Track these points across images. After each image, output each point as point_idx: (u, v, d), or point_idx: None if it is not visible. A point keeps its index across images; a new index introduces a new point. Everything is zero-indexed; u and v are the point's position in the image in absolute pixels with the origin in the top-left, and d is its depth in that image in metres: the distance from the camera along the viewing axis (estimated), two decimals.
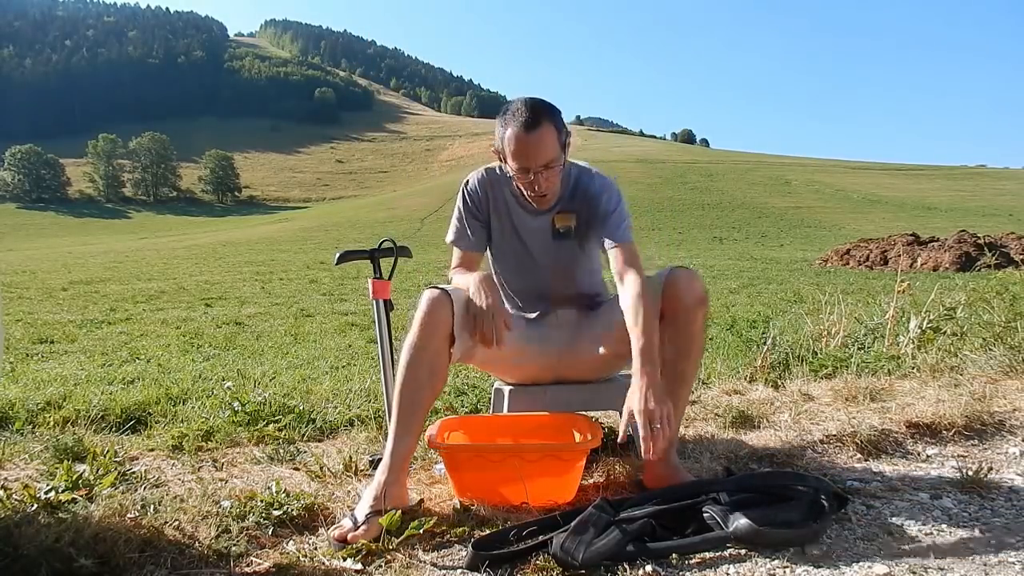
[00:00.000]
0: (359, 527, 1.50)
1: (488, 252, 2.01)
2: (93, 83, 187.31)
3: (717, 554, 1.43)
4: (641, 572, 1.36)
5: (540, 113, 1.68)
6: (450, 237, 1.96)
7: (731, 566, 1.38)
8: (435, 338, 1.70)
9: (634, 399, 1.55)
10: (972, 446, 2.13)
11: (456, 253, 1.96)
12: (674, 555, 1.39)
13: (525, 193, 1.81)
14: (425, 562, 1.41)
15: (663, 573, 1.36)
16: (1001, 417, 2.29)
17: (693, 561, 1.40)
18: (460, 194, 1.93)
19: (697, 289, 1.73)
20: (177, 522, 1.50)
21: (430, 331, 1.69)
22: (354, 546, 1.44)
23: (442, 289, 1.74)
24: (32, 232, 70.72)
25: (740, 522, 1.43)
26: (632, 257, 1.79)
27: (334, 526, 1.54)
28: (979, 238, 15.75)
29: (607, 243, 1.82)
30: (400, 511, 1.53)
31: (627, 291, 1.71)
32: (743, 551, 1.43)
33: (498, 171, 1.90)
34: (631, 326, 1.65)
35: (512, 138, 1.69)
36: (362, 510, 1.56)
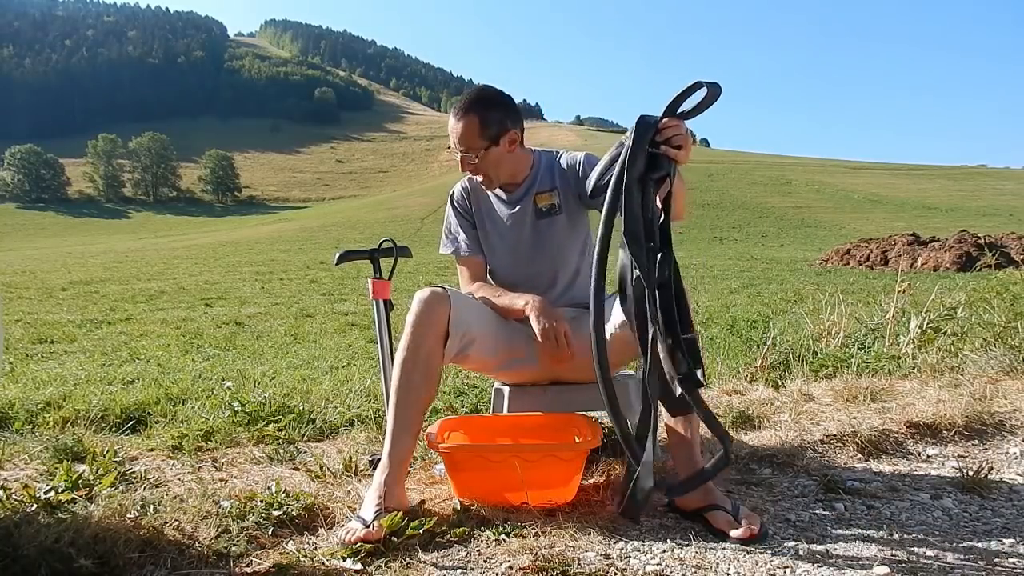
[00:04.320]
0: (370, 526, 1.49)
1: (483, 253, 2.04)
2: (93, 83, 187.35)
3: (717, 554, 1.43)
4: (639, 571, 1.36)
5: (471, 104, 1.81)
6: (443, 248, 2.06)
7: (731, 566, 1.38)
8: (428, 339, 1.70)
9: None
10: (972, 446, 2.13)
11: (462, 266, 2.04)
12: None
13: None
14: (425, 562, 1.41)
15: (667, 572, 1.36)
16: (1001, 417, 2.30)
17: (693, 562, 1.40)
18: (448, 205, 2.07)
19: None
20: (177, 522, 1.50)
21: (422, 332, 1.70)
22: (354, 546, 1.44)
23: (434, 288, 1.74)
24: (32, 232, 70.68)
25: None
26: None
27: (343, 529, 1.52)
28: (979, 238, 15.75)
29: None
30: (400, 512, 1.53)
31: None
32: (742, 552, 1.44)
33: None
34: None
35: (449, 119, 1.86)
36: (368, 511, 1.56)
